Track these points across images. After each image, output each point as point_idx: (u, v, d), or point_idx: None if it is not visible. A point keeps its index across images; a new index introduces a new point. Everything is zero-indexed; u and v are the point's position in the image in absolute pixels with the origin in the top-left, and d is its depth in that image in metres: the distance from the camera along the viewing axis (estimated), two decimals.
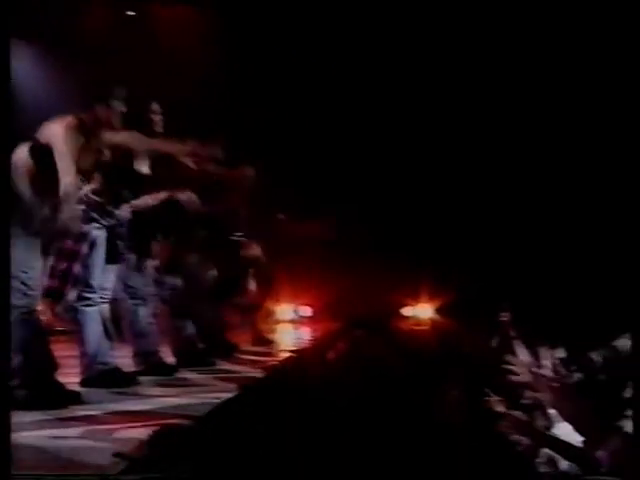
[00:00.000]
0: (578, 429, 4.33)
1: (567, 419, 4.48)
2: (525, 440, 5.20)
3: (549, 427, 4.78)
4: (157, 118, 5.97)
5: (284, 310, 10.48)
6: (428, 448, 5.13)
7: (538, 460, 5.07)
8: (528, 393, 5.02)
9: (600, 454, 4.06)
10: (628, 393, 5.11)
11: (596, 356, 6.20)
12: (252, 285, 8.30)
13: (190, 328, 6.54)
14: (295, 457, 5.02)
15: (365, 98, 10.65)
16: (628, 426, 4.47)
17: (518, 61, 10.21)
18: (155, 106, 6.01)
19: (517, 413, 5.33)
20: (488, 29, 10.19)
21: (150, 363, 5.87)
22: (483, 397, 5.88)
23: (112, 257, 5.52)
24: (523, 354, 5.99)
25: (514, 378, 4.93)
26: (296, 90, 10.51)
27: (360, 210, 10.49)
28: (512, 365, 5.12)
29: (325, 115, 10.56)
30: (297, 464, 4.97)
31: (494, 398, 5.72)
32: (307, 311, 10.96)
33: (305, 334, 9.66)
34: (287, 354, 7.52)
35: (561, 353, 5.38)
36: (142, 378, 5.54)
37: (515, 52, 10.14)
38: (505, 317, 6.76)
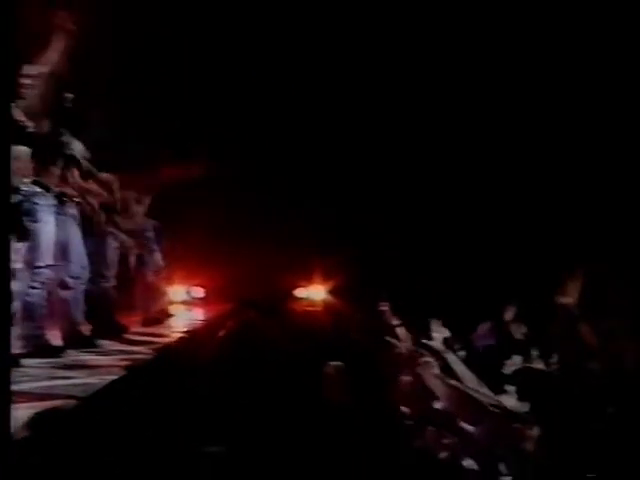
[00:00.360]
0: (451, 408, 4.48)
1: (441, 398, 4.62)
2: (411, 416, 5.35)
3: (430, 406, 4.92)
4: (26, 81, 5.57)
5: (176, 291, 10.41)
6: (317, 426, 5.20)
7: (424, 436, 5.22)
8: (408, 375, 5.15)
9: (476, 430, 4.21)
10: (507, 370, 5.32)
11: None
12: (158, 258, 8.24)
13: (79, 309, 6.43)
14: (183, 436, 5.02)
15: None
16: (508, 402, 4.65)
17: (488, 58, 10.24)
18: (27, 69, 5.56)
19: (401, 393, 5.47)
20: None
21: (36, 345, 5.76)
22: (372, 377, 6.00)
23: (19, 234, 5.38)
24: (405, 338, 6.13)
25: (395, 359, 5.04)
26: None
27: (254, 191, 10.48)
28: (393, 348, 5.23)
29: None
30: (185, 443, 4.97)
31: (381, 377, 5.84)
32: (200, 292, 10.91)
33: (197, 315, 9.62)
34: (178, 335, 7.49)
35: (445, 333, 5.54)
36: (28, 360, 5.44)
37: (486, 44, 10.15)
38: (384, 306, 6.91)
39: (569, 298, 6.35)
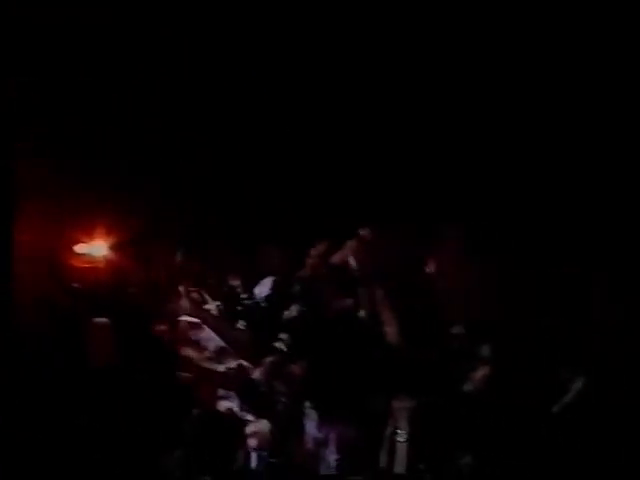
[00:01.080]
0: (235, 350, 4.66)
1: (225, 341, 4.77)
2: (190, 373, 5.35)
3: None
4: None
5: None
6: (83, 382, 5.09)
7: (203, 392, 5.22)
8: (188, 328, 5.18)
9: (256, 370, 4.26)
10: (286, 316, 5.43)
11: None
12: None
13: None
14: None
15: None
16: (284, 345, 4.76)
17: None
18: None
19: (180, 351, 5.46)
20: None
21: None
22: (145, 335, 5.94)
23: None
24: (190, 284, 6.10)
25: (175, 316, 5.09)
26: None
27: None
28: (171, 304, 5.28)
29: None
30: None
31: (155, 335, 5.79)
32: None
33: None
34: None
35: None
36: None
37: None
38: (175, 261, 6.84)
39: (345, 256, 6.56)
